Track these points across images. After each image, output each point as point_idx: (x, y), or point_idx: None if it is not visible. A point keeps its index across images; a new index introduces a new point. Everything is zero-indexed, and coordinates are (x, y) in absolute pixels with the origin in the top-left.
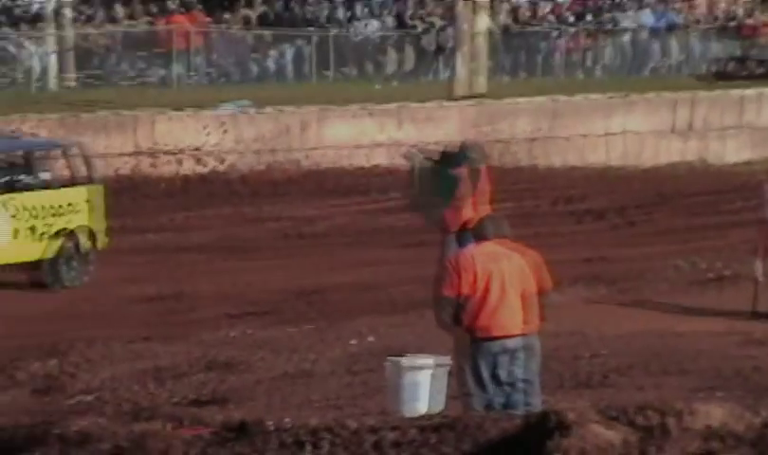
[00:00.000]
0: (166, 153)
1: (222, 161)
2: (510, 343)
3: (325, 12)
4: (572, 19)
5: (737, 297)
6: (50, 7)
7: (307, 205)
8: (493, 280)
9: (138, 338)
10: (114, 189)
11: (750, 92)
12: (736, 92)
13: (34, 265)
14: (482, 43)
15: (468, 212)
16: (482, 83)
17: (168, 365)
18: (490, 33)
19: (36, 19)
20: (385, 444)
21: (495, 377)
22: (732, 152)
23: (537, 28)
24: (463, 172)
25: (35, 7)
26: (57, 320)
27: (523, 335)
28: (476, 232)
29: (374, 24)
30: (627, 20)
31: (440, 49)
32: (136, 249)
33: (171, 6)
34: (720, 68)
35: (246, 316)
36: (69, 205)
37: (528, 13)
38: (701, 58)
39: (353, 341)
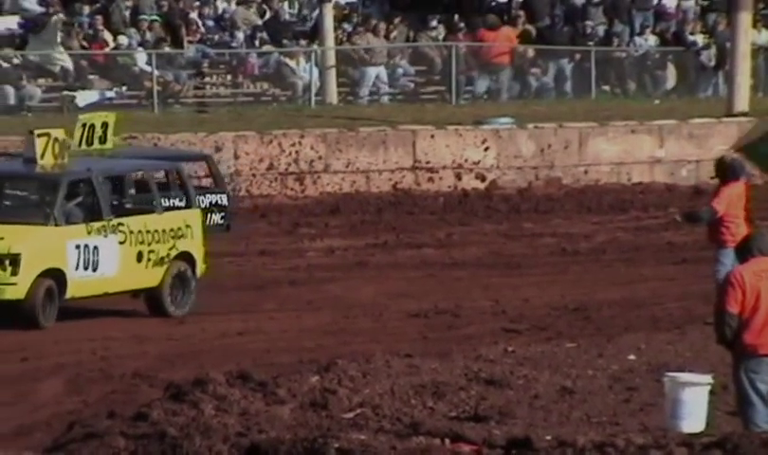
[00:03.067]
0: (444, 168)
1: (498, 177)
2: None
3: (603, 28)
4: None
5: None
6: (328, 21)
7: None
8: (762, 297)
9: (415, 353)
10: (392, 202)
11: None
12: None
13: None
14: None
15: (744, 227)
16: (746, 101)
17: (443, 380)
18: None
19: (305, 36)
20: None
21: (765, 394)
22: None
23: None
24: (741, 186)
25: (306, 24)
26: (335, 335)
27: None
28: (743, 248)
29: (652, 39)
30: None
31: (719, 66)
32: (413, 264)
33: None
34: None
35: (521, 331)
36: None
37: None
38: None
39: (631, 357)
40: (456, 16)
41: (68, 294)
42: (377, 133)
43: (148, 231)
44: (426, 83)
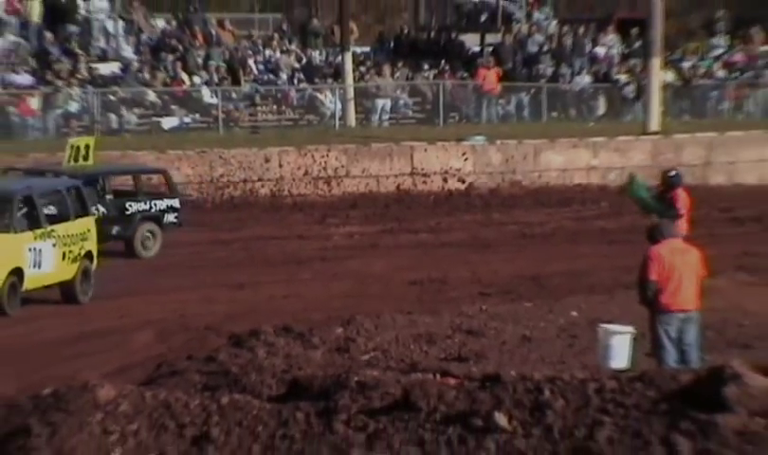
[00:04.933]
0: (432, 174)
1: (474, 180)
2: (685, 316)
3: (551, 70)
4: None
5: None
6: (348, 65)
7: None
8: (675, 269)
9: (414, 311)
10: (395, 199)
11: None
12: None
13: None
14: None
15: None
16: (658, 123)
17: (434, 331)
18: (669, 85)
19: (331, 76)
20: (590, 392)
21: (674, 341)
22: None
23: (702, 82)
24: (682, 192)
25: (332, 68)
26: (354, 298)
27: (693, 310)
28: (654, 234)
29: (588, 78)
30: None
31: (637, 97)
32: (410, 245)
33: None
34: None
35: (492, 294)
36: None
37: (702, 71)
38: None
39: (573, 313)
40: (443, 61)
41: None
42: (384, 147)
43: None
44: (420, 111)
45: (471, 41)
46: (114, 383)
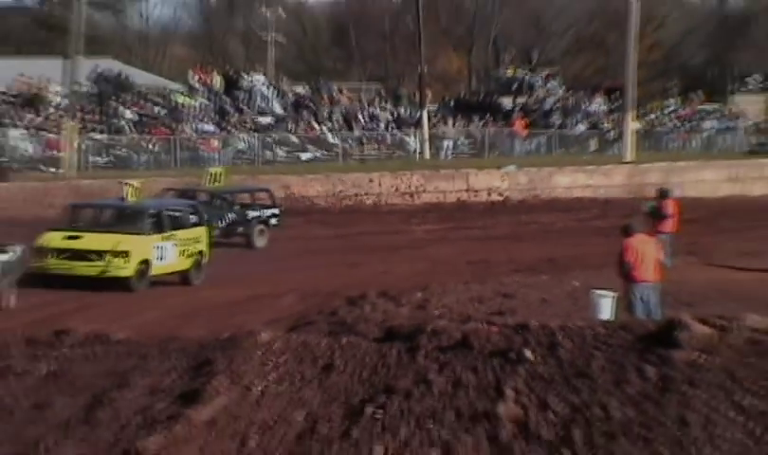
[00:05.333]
0: (481, 190)
1: (509, 195)
2: (648, 284)
3: (559, 121)
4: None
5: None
6: (424, 116)
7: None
8: (643, 254)
9: (468, 281)
10: (456, 207)
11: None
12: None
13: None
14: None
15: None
16: (630, 156)
17: (482, 295)
18: (638, 131)
19: (413, 125)
20: (587, 336)
21: (642, 301)
22: (759, 190)
23: (660, 129)
24: (671, 201)
25: (413, 119)
26: (430, 274)
27: (654, 281)
28: (627, 229)
29: (584, 126)
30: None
31: (617, 139)
32: (467, 238)
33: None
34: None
35: (521, 271)
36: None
37: (661, 121)
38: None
39: (575, 283)
40: (488, 115)
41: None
42: (449, 173)
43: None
44: (473, 148)
45: (506, 101)
46: (269, 330)
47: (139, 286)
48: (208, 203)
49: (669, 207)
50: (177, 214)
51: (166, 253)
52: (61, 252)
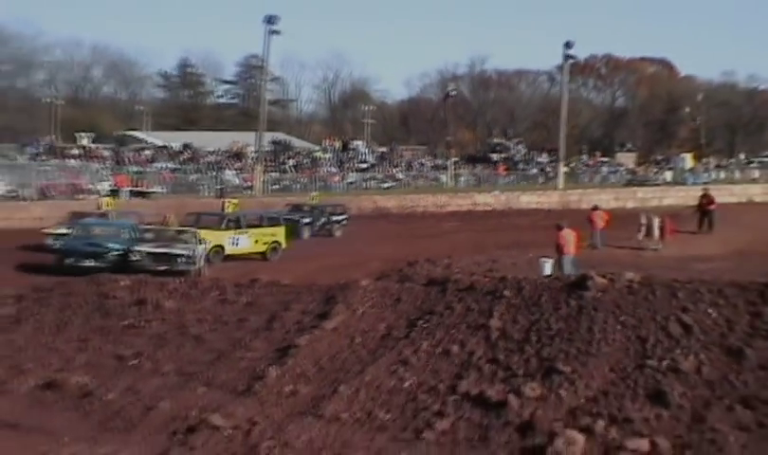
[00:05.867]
0: (480, 204)
1: (494, 207)
2: (571, 256)
3: (523, 166)
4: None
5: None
6: (450, 164)
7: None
8: (566, 238)
9: (474, 254)
10: (467, 213)
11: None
12: (634, 188)
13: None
14: (563, 175)
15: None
16: (562, 186)
17: (480, 261)
18: (566, 172)
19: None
20: (537, 286)
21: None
22: (631, 204)
23: (580, 171)
24: (598, 212)
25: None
26: (450, 250)
27: (573, 254)
28: (559, 225)
29: (535, 170)
30: (603, 169)
31: (554, 177)
32: (472, 231)
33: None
34: (627, 183)
35: (502, 248)
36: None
37: (580, 166)
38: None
39: (530, 255)
40: (484, 163)
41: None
42: (463, 195)
43: (259, 233)
44: (476, 182)
45: (494, 156)
46: (366, 279)
47: (215, 260)
48: (310, 211)
49: (597, 215)
50: (254, 218)
51: (240, 242)
52: None
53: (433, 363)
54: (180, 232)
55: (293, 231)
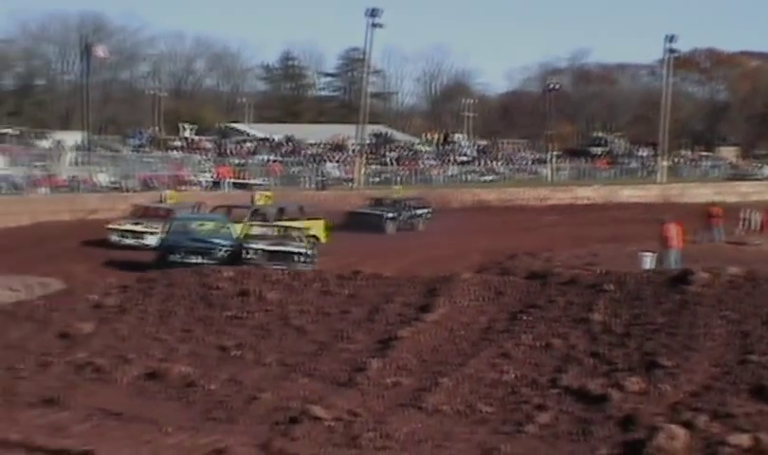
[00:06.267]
0: (581, 198)
1: (594, 201)
2: (676, 250)
3: None
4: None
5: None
6: (550, 157)
7: None
8: (672, 231)
9: (572, 248)
10: (566, 208)
11: None
12: (737, 182)
13: None
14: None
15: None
16: (663, 180)
17: (579, 255)
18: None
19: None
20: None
21: (667, 259)
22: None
23: (678, 165)
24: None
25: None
26: (548, 244)
27: (677, 248)
28: (664, 220)
29: (635, 164)
30: (702, 163)
31: (654, 171)
32: (571, 224)
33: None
34: (729, 177)
35: (601, 241)
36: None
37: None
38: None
39: (631, 248)
40: (584, 157)
41: None
42: (563, 188)
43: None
44: (576, 175)
45: (595, 150)
46: (467, 272)
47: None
48: (393, 206)
49: (714, 212)
50: (295, 210)
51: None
52: None
53: (535, 356)
54: (290, 229)
55: (376, 226)
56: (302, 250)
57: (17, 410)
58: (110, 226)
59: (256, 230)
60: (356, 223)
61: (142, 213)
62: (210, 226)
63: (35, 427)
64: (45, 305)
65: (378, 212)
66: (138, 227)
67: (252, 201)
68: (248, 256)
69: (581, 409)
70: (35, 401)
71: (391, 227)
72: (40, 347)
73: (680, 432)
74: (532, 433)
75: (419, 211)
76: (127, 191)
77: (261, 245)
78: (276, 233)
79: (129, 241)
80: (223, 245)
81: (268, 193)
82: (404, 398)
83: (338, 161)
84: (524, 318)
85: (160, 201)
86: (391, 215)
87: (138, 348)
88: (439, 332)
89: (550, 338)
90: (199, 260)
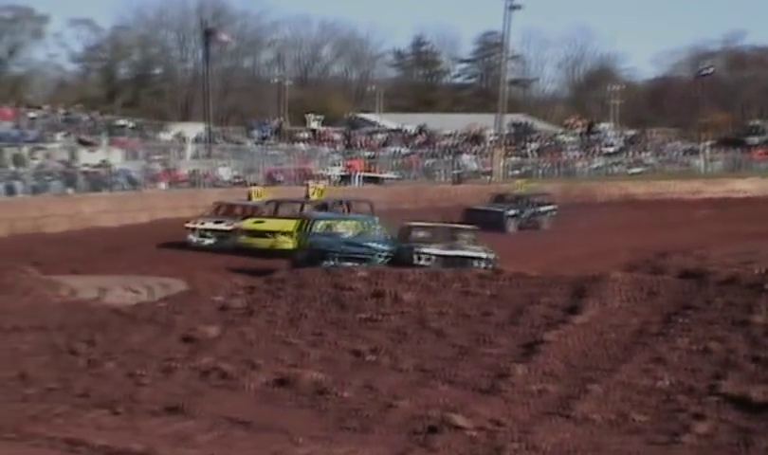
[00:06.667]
0: (737, 191)
1: (752, 194)
2: None
3: None
4: None
5: None
6: (703, 147)
7: None
8: None
9: (725, 245)
10: (721, 201)
11: None
12: None
13: None
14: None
15: None
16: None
17: (734, 252)
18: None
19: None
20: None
21: None
22: None
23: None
24: None
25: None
26: (702, 241)
27: None
28: None
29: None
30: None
31: None
32: (727, 219)
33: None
34: None
35: (758, 237)
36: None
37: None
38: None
39: None
40: (740, 147)
41: None
42: (718, 180)
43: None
44: (731, 167)
45: (751, 139)
46: (617, 271)
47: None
48: (515, 202)
49: None
50: (341, 209)
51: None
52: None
53: (691, 361)
54: (459, 230)
55: (496, 224)
56: (483, 255)
57: (139, 419)
58: (188, 224)
59: (420, 233)
60: (474, 221)
61: (225, 211)
62: (358, 226)
63: (158, 436)
64: (168, 307)
65: (498, 209)
66: (222, 226)
67: (307, 196)
68: (420, 263)
69: (742, 418)
70: (158, 409)
71: (512, 226)
72: (162, 352)
73: None
74: (689, 444)
75: (543, 209)
76: (251, 185)
77: (434, 250)
78: (447, 235)
79: (210, 242)
80: (383, 250)
81: (321, 187)
82: (551, 406)
83: (475, 153)
84: (680, 320)
85: (248, 198)
86: (512, 213)
87: (267, 353)
88: (588, 335)
89: (708, 342)
90: (357, 266)
